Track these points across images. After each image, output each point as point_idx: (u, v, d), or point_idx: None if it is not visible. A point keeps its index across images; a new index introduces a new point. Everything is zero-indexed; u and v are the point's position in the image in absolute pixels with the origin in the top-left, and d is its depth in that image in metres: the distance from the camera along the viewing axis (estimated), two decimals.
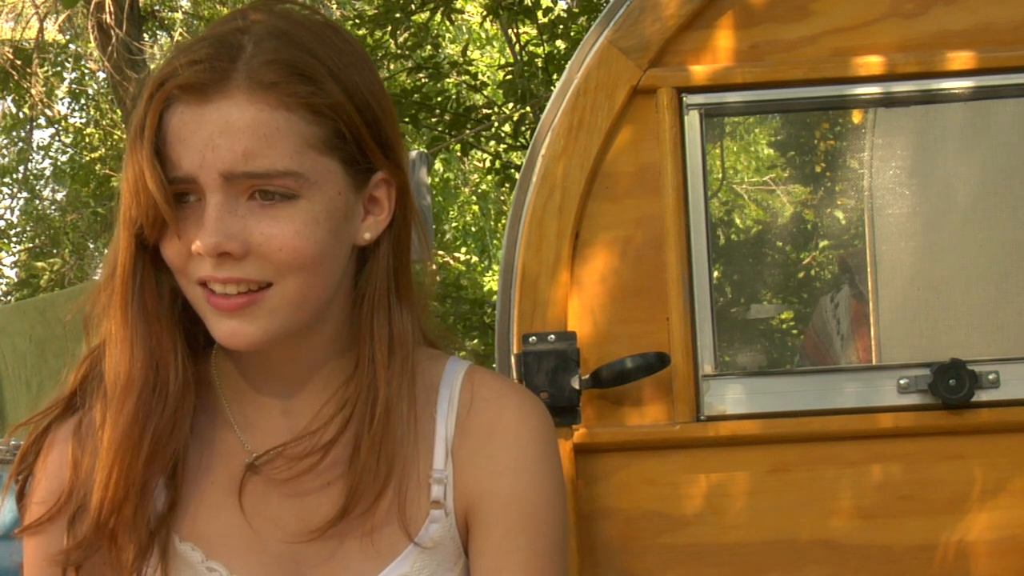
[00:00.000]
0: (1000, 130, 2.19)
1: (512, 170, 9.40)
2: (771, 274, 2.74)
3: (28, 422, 1.38)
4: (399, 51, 9.39)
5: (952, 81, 2.13)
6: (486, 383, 1.39)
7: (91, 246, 14.81)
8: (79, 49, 14.46)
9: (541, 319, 2.09)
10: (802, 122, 2.67)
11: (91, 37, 10.55)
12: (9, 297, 15.06)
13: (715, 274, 2.17)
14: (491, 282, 13.74)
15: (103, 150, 14.46)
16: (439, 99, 9.41)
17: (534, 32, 9.29)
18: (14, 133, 15.76)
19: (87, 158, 14.79)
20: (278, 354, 1.33)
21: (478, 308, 10.18)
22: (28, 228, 16.04)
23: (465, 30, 14.03)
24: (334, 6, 12.04)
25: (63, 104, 15.46)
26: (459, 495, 1.35)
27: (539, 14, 8.82)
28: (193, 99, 1.24)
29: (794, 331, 2.72)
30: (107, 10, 9.63)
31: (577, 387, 2.06)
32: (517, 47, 9.53)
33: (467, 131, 9.12)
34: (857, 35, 2.13)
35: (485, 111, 9.85)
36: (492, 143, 9.80)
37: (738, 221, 3.23)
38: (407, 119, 8.83)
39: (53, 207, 16.16)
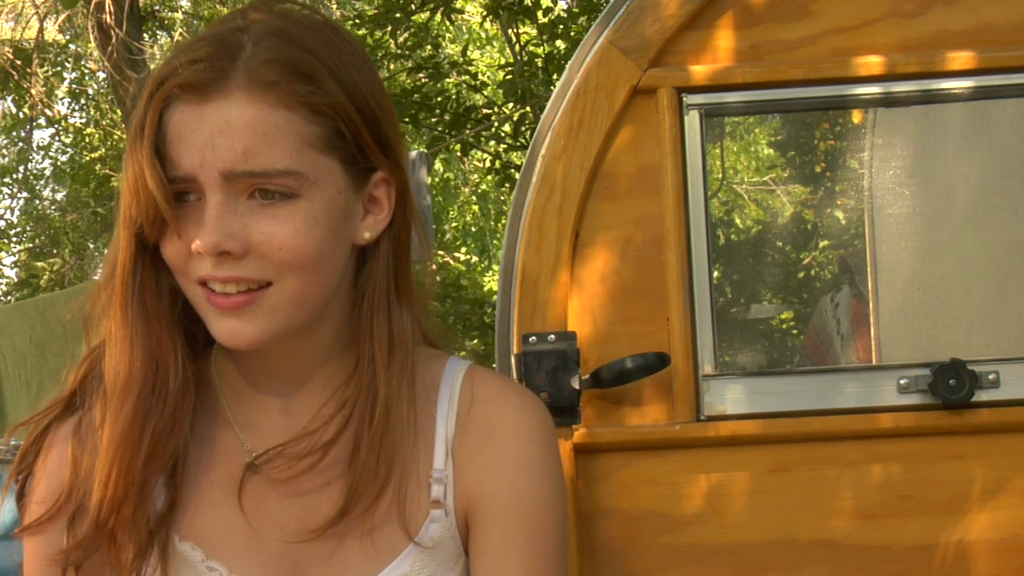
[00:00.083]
0: (1000, 130, 2.19)
1: (512, 170, 9.41)
2: (771, 274, 2.74)
3: (28, 422, 1.38)
4: (399, 51, 9.39)
5: (952, 81, 2.13)
6: (486, 383, 1.39)
7: (91, 246, 14.81)
8: (79, 49, 14.46)
9: (541, 319, 2.09)
10: (802, 122, 2.67)
11: (91, 37, 10.55)
12: (9, 297, 15.06)
13: (715, 274, 2.17)
14: (491, 282, 13.74)
15: (103, 150, 14.46)
16: (439, 99, 9.41)
17: (534, 32, 9.29)
18: (14, 133, 15.77)
19: (87, 158, 14.79)
20: (278, 353, 1.33)
21: (478, 308, 10.18)
22: (28, 228, 16.04)
23: (465, 30, 14.03)
24: (334, 6, 12.04)
25: (63, 104, 15.47)
26: (459, 495, 1.35)
27: (539, 14, 8.82)
28: (193, 98, 1.24)
29: (794, 331, 2.72)
30: (107, 10, 9.63)
31: (577, 387, 2.06)
32: (517, 47, 9.53)
33: (467, 131, 9.12)
34: (857, 35, 2.13)
35: (485, 111, 9.85)
36: (492, 143, 9.80)
37: (738, 221, 3.23)
38: (407, 119, 8.83)
39: (53, 207, 16.17)
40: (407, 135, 10.55)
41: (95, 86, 15.31)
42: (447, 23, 9.87)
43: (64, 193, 16.09)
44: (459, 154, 10.88)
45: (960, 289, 2.17)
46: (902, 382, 2.09)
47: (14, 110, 14.92)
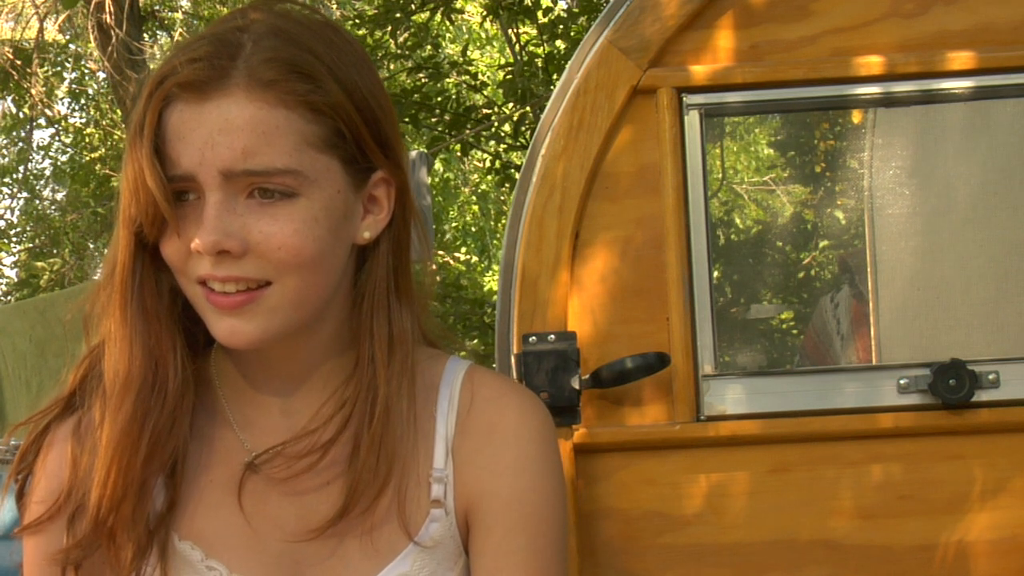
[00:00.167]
0: (1000, 130, 2.19)
1: (512, 170, 9.40)
2: (771, 274, 2.74)
3: (28, 422, 1.38)
4: (399, 51, 9.39)
5: (952, 81, 2.13)
6: (486, 383, 1.39)
7: (91, 246, 14.81)
8: (79, 49, 14.46)
9: (541, 319, 2.09)
10: (802, 122, 2.67)
11: (91, 37, 10.55)
12: (9, 297, 15.05)
13: (715, 274, 2.17)
14: (491, 282, 13.73)
15: (103, 150, 14.46)
16: (439, 99, 9.41)
17: (534, 32, 9.29)
18: (14, 133, 15.76)
19: (87, 158, 14.79)
20: (277, 353, 1.33)
21: (478, 308, 10.18)
22: (28, 228, 16.04)
23: (465, 30, 14.03)
24: (334, 6, 12.04)
25: (63, 104, 15.47)
26: (459, 494, 1.35)
27: (539, 14, 8.82)
28: (192, 97, 1.24)
29: (794, 331, 2.72)
30: (107, 10, 9.63)
31: (577, 387, 2.06)
32: (517, 47, 9.53)
33: (467, 131, 9.11)
34: (857, 35, 2.13)
35: (485, 111, 9.85)
36: (492, 143, 9.80)
37: (738, 221, 3.23)
38: (407, 119, 8.82)
39: (53, 207, 16.16)
40: (407, 135, 10.55)
41: (95, 86, 15.31)
42: (447, 23, 9.87)
43: (64, 193, 16.09)
44: (459, 154, 10.88)
45: (960, 289, 2.17)
46: (902, 382, 2.09)
47: (14, 110, 14.92)
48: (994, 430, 2.09)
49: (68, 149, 15.79)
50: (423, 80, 9.39)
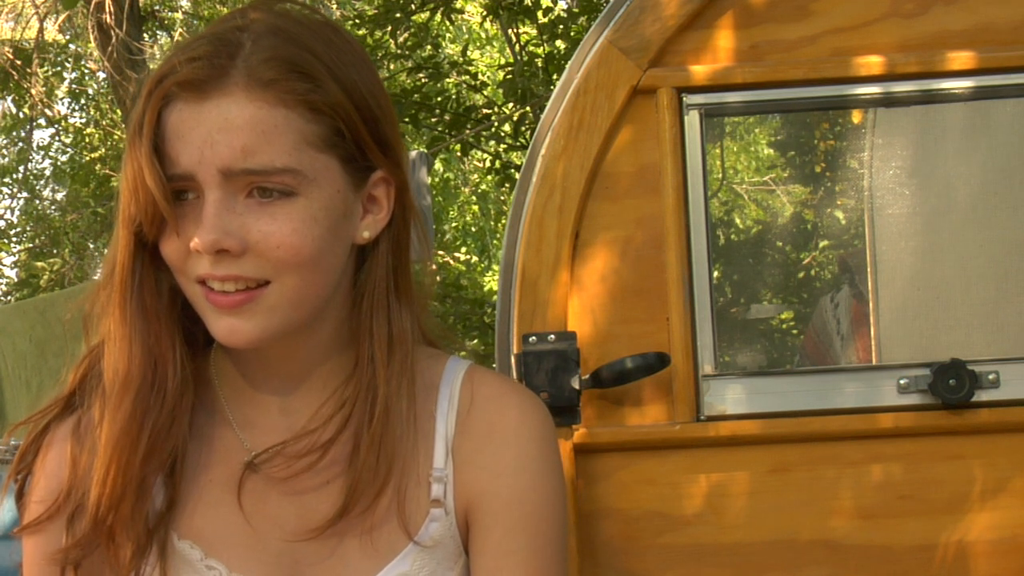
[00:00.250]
0: (1000, 130, 2.19)
1: (512, 170, 9.40)
2: (771, 274, 2.74)
3: (27, 421, 1.38)
4: (399, 51, 9.39)
5: (952, 81, 2.13)
6: (486, 382, 1.39)
7: (91, 246, 14.81)
8: (79, 49, 14.46)
9: (541, 319, 2.09)
10: (802, 122, 2.67)
11: (91, 37, 10.55)
12: (9, 297, 15.05)
13: (715, 274, 2.17)
14: (491, 282, 13.73)
15: (103, 150, 14.46)
16: (439, 99, 9.41)
17: (534, 32, 9.29)
18: (14, 133, 15.76)
19: (87, 158, 14.79)
20: (277, 352, 1.33)
21: (478, 308, 10.18)
22: (28, 228, 16.04)
23: (465, 30, 14.03)
24: (334, 6, 12.04)
25: (63, 104, 15.47)
26: (459, 494, 1.35)
27: (539, 14, 8.82)
28: (192, 96, 1.24)
29: (794, 331, 2.72)
30: (107, 10, 9.63)
31: (577, 387, 2.06)
32: (517, 47, 9.53)
33: (467, 131, 9.11)
34: (857, 35, 2.13)
35: (485, 111, 9.85)
36: (492, 143, 9.80)
37: (738, 221, 3.23)
38: (407, 119, 8.82)
39: (53, 207, 16.16)
40: (407, 135, 10.55)
41: (95, 86, 15.31)
42: (447, 23, 9.87)
43: (64, 193, 16.08)
44: (459, 154, 10.88)
45: (960, 289, 2.17)
46: (902, 382, 2.09)
47: (14, 110, 14.92)
48: (994, 430, 2.09)
49: (68, 149, 15.79)
50: (423, 80, 9.39)
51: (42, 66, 13.55)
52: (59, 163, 15.87)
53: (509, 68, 9.22)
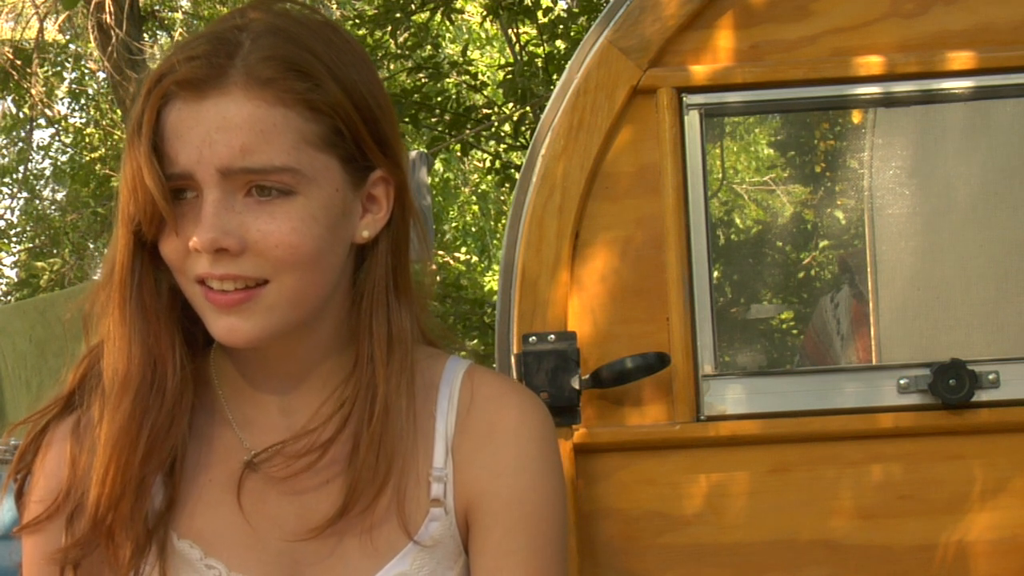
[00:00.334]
0: (1000, 130, 2.19)
1: (512, 170, 9.40)
2: (771, 274, 2.74)
3: (26, 421, 1.38)
4: (399, 51, 9.39)
5: (952, 81, 2.13)
6: (486, 382, 1.39)
7: (91, 246, 14.81)
8: (79, 49, 14.46)
9: (541, 319, 2.09)
10: (802, 122, 2.67)
11: (91, 37, 10.55)
12: (9, 297, 15.05)
13: (715, 274, 2.17)
14: (491, 282, 13.73)
15: (103, 150, 14.46)
16: (439, 99, 9.41)
17: (534, 32, 9.29)
18: (14, 133, 15.76)
19: (87, 158, 14.79)
20: (276, 351, 1.33)
21: (478, 308, 10.18)
22: (28, 228, 16.04)
23: (465, 30, 14.03)
24: (334, 6, 12.04)
25: (63, 104, 15.47)
26: (459, 493, 1.35)
27: (539, 14, 8.82)
28: (190, 95, 1.24)
29: (794, 331, 2.72)
30: (107, 10, 9.63)
31: (577, 387, 2.06)
32: (517, 47, 9.53)
33: (467, 131, 9.11)
34: (857, 35, 2.13)
35: (485, 111, 9.85)
36: (492, 143, 9.80)
37: (738, 221, 3.23)
38: (407, 119, 8.82)
39: (53, 207, 16.16)
40: (407, 135, 10.54)
41: (95, 86, 15.31)
42: (447, 23, 9.87)
43: (64, 193, 16.08)
44: (459, 154, 10.88)
45: (960, 289, 2.17)
46: (902, 382, 2.09)
47: (14, 110, 14.92)
48: (994, 430, 2.09)
49: (68, 149, 15.79)
50: (423, 80, 9.39)
51: (42, 66, 13.56)
52: (59, 163, 15.87)
53: (509, 68, 9.22)
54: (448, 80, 10.08)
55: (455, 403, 1.37)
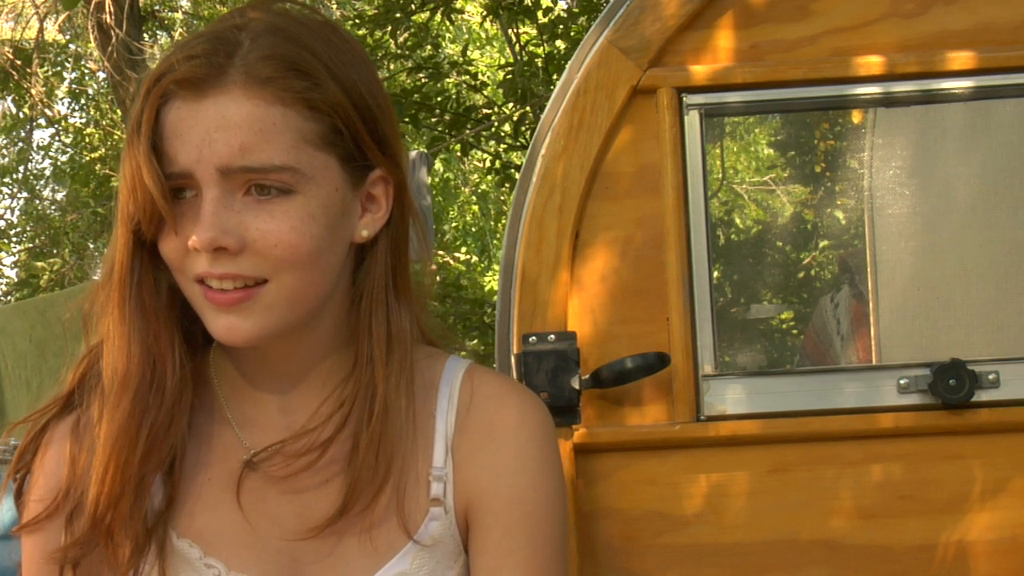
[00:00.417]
0: (1000, 130, 2.19)
1: (512, 170, 9.40)
2: (771, 274, 2.74)
3: (26, 420, 1.38)
4: (399, 51, 9.39)
5: (952, 81, 2.13)
6: (486, 381, 1.39)
7: (91, 246, 14.81)
8: (79, 49, 14.46)
9: (541, 319, 2.09)
10: (802, 122, 2.67)
11: (91, 37, 10.55)
12: (9, 297, 15.05)
13: (715, 274, 2.17)
14: (491, 282, 13.73)
15: (103, 150, 14.46)
16: (439, 99, 9.41)
17: (534, 32, 9.29)
18: (14, 133, 15.76)
19: (87, 158, 14.78)
20: (275, 351, 1.33)
21: (478, 308, 10.18)
22: (28, 228, 16.04)
23: (465, 30, 14.03)
24: (334, 6, 12.04)
25: (63, 104, 15.47)
26: (459, 493, 1.35)
27: (539, 14, 8.82)
28: (190, 94, 1.24)
29: (794, 331, 2.72)
30: (107, 10, 9.63)
31: (577, 387, 2.06)
32: (517, 47, 9.53)
33: (467, 131, 9.11)
34: (857, 35, 2.13)
35: (485, 111, 9.85)
36: (492, 143, 9.80)
37: (738, 221, 3.23)
38: (407, 119, 8.82)
39: (53, 207, 16.16)
40: (407, 135, 10.54)
41: (95, 86, 15.31)
42: (447, 23, 9.87)
43: (64, 193, 16.08)
44: (459, 154, 10.88)
45: (960, 289, 2.17)
46: (902, 382, 2.09)
47: (14, 110, 14.92)
48: (994, 430, 2.09)
49: (68, 149, 15.79)
50: (423, 80, 9.39)
51: (42, 66, 13.56)
52: (59, 163, 15.87)
53: (509, 68, 9.22)
54: (448, 80, 10.08)
55: (455, 402, 1.37)
